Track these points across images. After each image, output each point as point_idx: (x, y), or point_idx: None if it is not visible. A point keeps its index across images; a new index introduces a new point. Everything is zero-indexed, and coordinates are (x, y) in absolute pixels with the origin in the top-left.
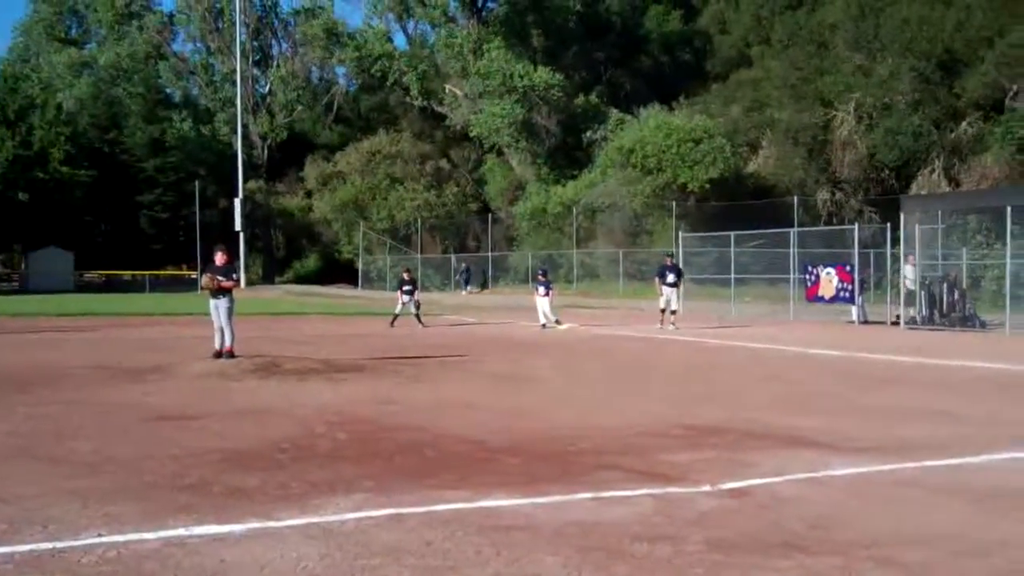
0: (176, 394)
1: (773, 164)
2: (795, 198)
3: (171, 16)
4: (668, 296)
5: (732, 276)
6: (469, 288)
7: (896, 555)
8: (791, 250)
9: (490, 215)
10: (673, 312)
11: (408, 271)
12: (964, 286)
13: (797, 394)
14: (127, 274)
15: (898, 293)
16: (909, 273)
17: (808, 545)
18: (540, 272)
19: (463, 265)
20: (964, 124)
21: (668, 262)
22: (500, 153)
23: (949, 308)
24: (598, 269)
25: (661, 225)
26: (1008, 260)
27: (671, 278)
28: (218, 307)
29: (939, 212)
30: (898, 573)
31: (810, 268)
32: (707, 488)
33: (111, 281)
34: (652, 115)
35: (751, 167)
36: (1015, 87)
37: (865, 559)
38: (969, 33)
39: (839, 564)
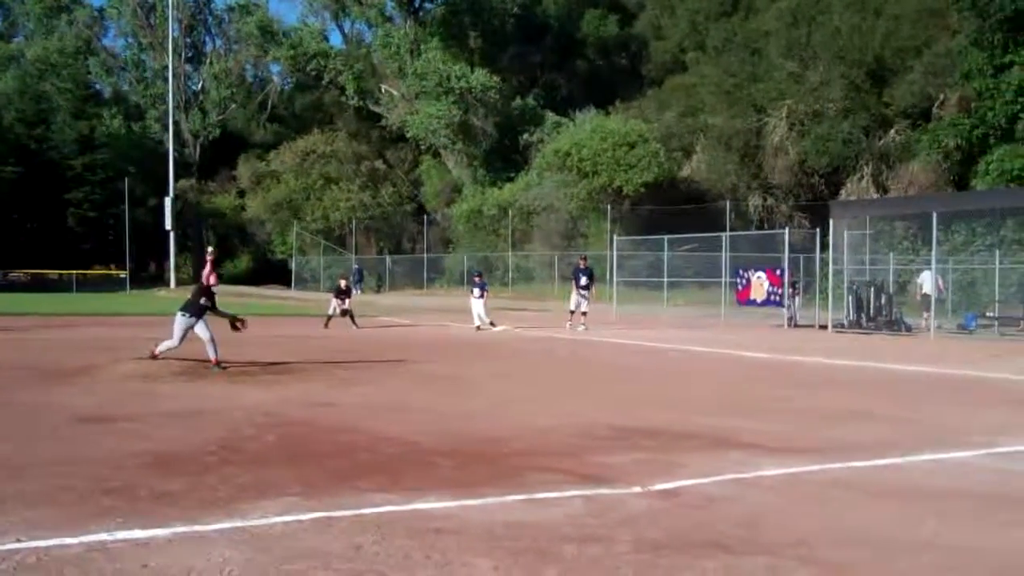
0: (102, 396)
1: (706, 169)
2: (727, 203)
3: (101, 10)
4: (578, 298)
5: (665, 279)
6: (360, 288)
7: (821, 554)
8: (723, 254)
9: (426, 216)
10: (583, 313)
11: (345, 278)
12: (891, 291)
13: (728, 396)
14: (54, 273)
15: (826, 297)
16: (927, 279)
17: (735, 545)
18: (475, 274)
19: (355, 267)
20: (892, 132)
21: (581, 264)
22: (436, 154)
23: (876, 312)
24: (533, 271)
25: (596, 228)
26: (933, 265)
27: (584, 280)
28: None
29: (867, 218)
30: (822, 572)
31: (741, 272)
32: (638, 489)
33: (37, 280)
34: (588, 119)
35: (685, 171)
36: (942, 96)
37: (791, 558)
38: (898, 43)
39: (765, 564)
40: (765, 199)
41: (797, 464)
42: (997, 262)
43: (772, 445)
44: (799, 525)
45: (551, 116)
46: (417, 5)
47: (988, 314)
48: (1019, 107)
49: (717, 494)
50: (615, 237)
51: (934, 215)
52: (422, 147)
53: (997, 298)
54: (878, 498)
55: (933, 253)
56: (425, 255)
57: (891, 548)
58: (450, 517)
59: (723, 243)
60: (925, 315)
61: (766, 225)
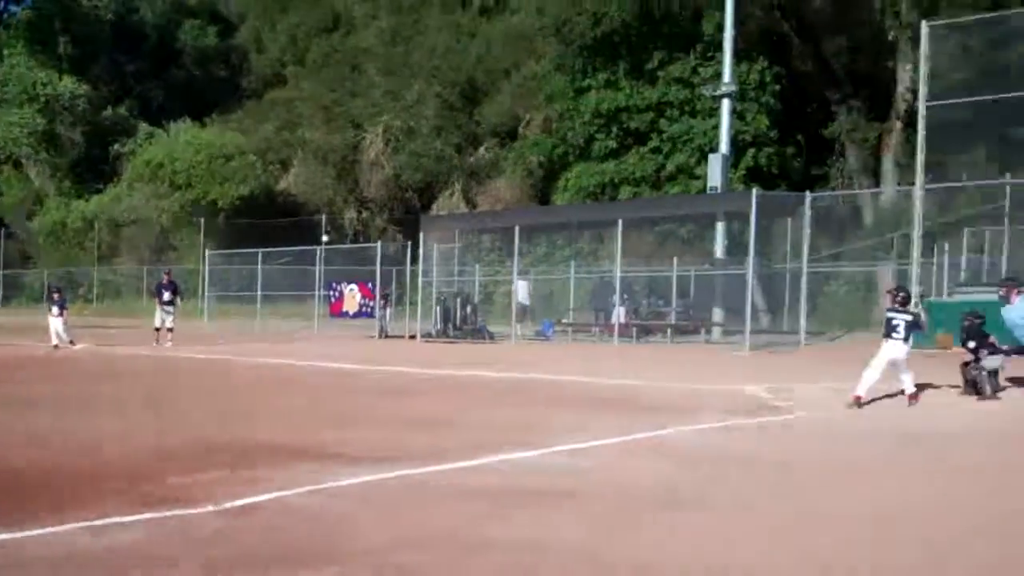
0: None
1: (303, 183)
2: (323, 216)
3: None
4: (163, 315)
5: (259, 293)
6: None
7: (395, 559)
8: (317, 267)
9: (3, 229)
10: (169, 329)
11: None
12: (476, 301)
13: (313, 407)
14: None
15: (417, 308)
16: (522, 288)
17: (308, 558)
18: (53, 291)
19: None
20: (482, 149)
21: (164, 279)
22: (17, 164)
23: (462, 321)
24: (121, 286)
25: (189, 241)
26: (515, 276)
27: (167, 296)
28: None
29: (456, 231)
30: None
31: (334, 285)
32: (211, 508)
33: None
34: (183, 130)
35: (282, 185)
36: (528, 116)
37: (362, 565)
38: (488, 65)
39: (335, 573)
40: (360, 212)
41: (376, 472)
42: (572, 272)
43: (353, 454)
44: (372, 532)
45: (144, 126)
46: (2, 8)
47: (564, 321)
48: (595, 128)
49: (295, 507)
50: (207, 251)
51: (516, 229)
52: (1, 156)
53: (572, 306)
54: (451, 501)
55: (515, 264)
56: (1, 271)
57: (460, 549)
58: (5, 551)
59: (317, 256)
60: (543, 323)
61: (361, 238)
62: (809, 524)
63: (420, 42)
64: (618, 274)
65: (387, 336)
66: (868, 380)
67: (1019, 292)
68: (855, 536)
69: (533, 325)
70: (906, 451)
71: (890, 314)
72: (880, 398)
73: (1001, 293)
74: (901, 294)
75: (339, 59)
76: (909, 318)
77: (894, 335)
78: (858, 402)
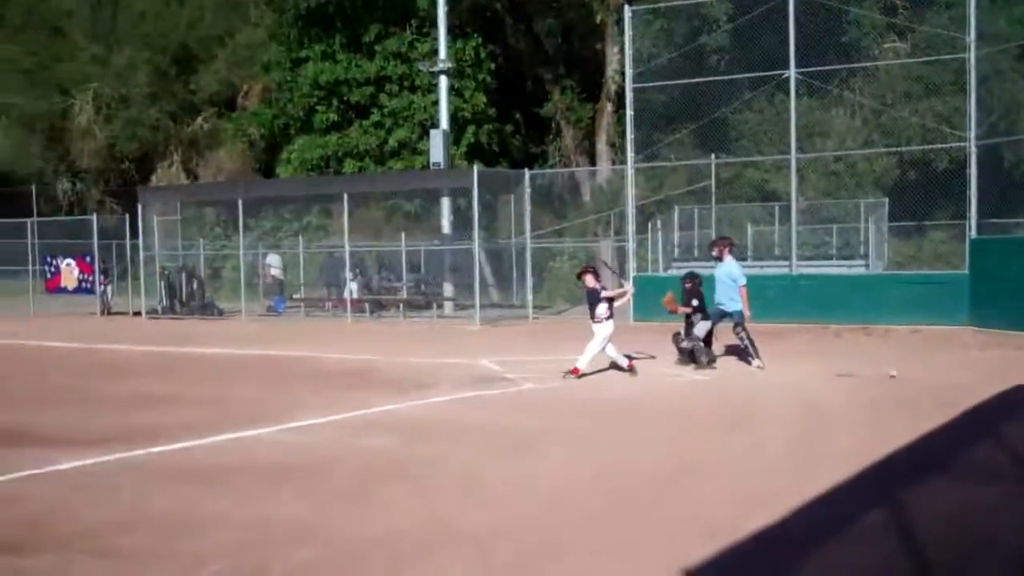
0: None
1: (9, 151)
2: (34, 187)
3: None
4: None
5: None
6: None
7: (111, 543)
8: (29, 241)
9: None
10: None
11: None
12: (203, 276)
13: (26, 390)
14: None
15: (140, 284)
16: (275, 262)
17: (25, 545)
18: None
19: None
20: (200, 119)
21: None
22: None
23: (189, 297)
24: None
25: None
26: (242, 251)
27: None
28: None
29: (178, 204)
30: (112, 561)
31: (50, 259)
32: None
33: None
34: None
35: None
36: (246, 86)
37: (80, 551)
38: (202, 31)
39: (54, 561)
40: (75, 184)
41: (97, 455)
42: (302, 247)
43: (71, 437)
44: (92, 516)
45: None
46: None
47: (295, 297)
48: (315, 100)
49: (9, 494)
50: None
51: (240, 202)
52: None
53: (303, 281)
54: (174, 481)
55: (241, 239)
56: None
57: (183, 528)
58: None
59: (29, 230)
60: (274, 299)
61: (77, 211)
62: (532, 492)
63: (127, 6)
64: (347, 249)
65: (111, 313)
66: (588, 351)
67: (730, 250)
68: (561, 502)
69: (267, 301)
70: (611, 420)
71: (604, 294)
72: (605, 369)
73: (714, 252)
74: (590, 271)
75: (39, 21)
76: (611, 295)
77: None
78: (576, 374)
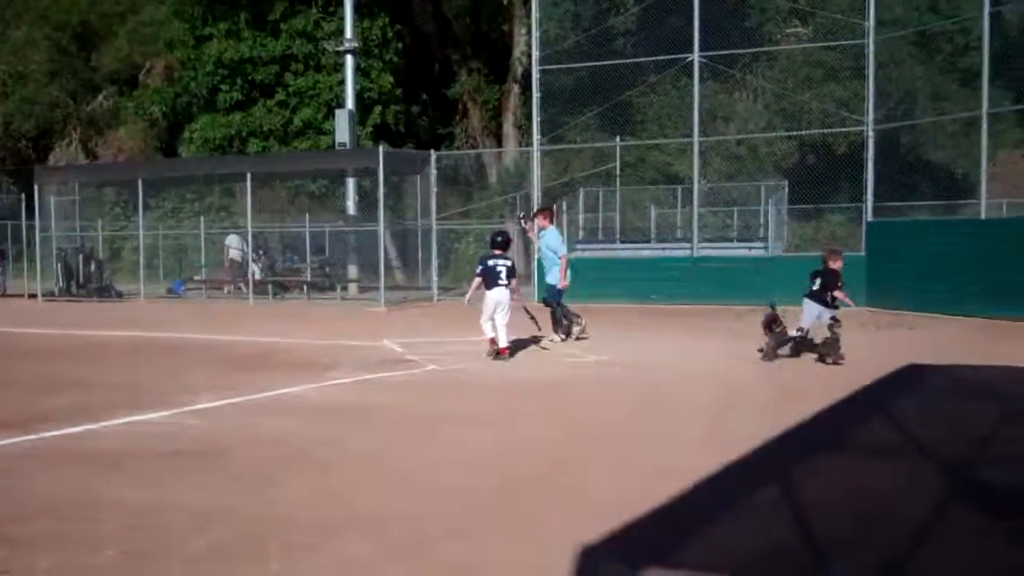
0: None
1: None
2: None
3: None
4: None
5: None
6: None
7: (5, 530)
8: None
9: None
10: None
11: None
12: (102, 257)
13: None
14: None
15: (36, 265)
16: (234, 243)
17: None
18: None
19: None
20: (101, 97)
21: None
22: None
23: (86, 279)
24: None
25: None
26: (141, 232)
27: None
28: None
29: (76, 184)
30: (3, 549)
31: None
32: None
33: None
34: None
35: None
36: (148, 64)
37: None
38: (104, 7)
39: None
40: None
41: None
42: (203, 228)
43: None
44: None
45: None
46: None
47: (196, 278)
48: (219, 78)
49: None
50: None
51: (140, 182)
52: None
53: (204, 263)
54: (69, 465)
55: (140, 220)
56: None
57: (79, 513)
58: None
59: None
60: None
61: None
62: (434, 474)
63: None
64: (250, 230)
65: (5, 295)
66: (499, 329)
67: (552, 219)
68: (464, 483)
69: (167, 282)
70: (515, 400)
71: (491, 262)
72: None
73: (539, 223)
74: (499, 238)
75: None
76: (510, 263)
77: (499, 281)
78: (505, 354)
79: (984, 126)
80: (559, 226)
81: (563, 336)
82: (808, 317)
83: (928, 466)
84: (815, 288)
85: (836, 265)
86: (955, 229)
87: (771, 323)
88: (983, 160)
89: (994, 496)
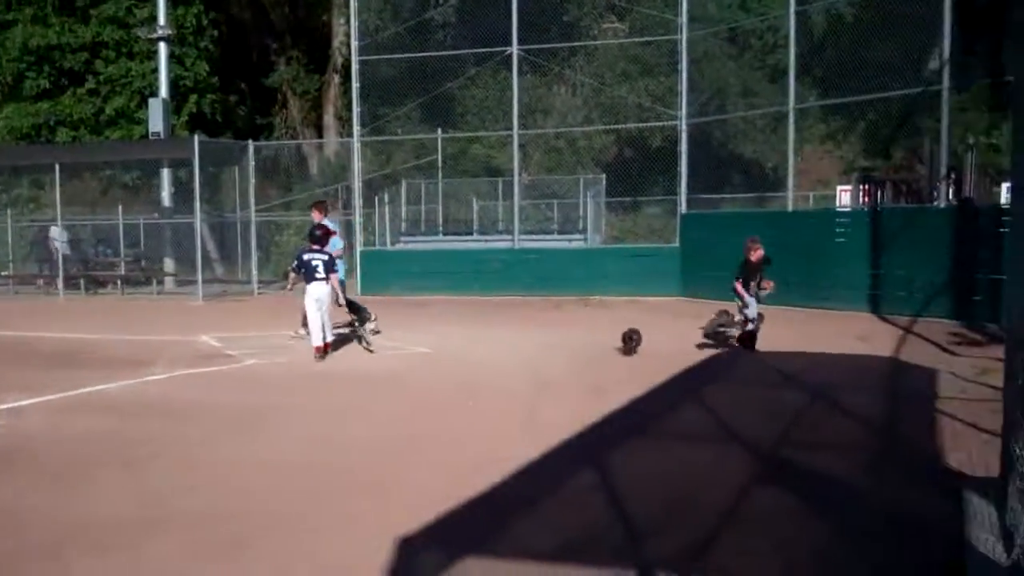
0: None
1: None
2: None
3: None
4: None
5: None
6: None
7: None
8: None
9: None
10: None
11: None
12: None
13: None
14: None
15: None
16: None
17: None
18: None
19: None
20: None
21: None
22: None
23: None
24: None
25: None
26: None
27: None
28: None
29: None
30: None
31: None
32: None
33: None
34: None
35: None
36: None
37: None
38: None
39: None
40: None
41: None
42: (10, 221)
43: None
44: None
45: None
46: None
47: (4, 274)
48: (25, 65)
49: None
50: None
51: None
52: None
53: (12, 258)
54: None
55: None
56: None
57: None
58: None
59: None
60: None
61: None
62: (252, 470)
63: None
64: (60, 223)
65: None
66: (314, 327)
67: (326, 213)
68: (282, 479)
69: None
70: (334, 394)
71: (307, 256)
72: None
73: (314, 217)
74: (317, 231)
75: None
76: (326, 258)
77: (316, 276)
78: (322, 351)
79: (791, 121)
80: (381, 218)
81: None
82: (753, 308)
83: (737, 449)
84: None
85: (756, 256)
86: (763, 221)
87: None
88: (791, 154)
89: (797, 477)
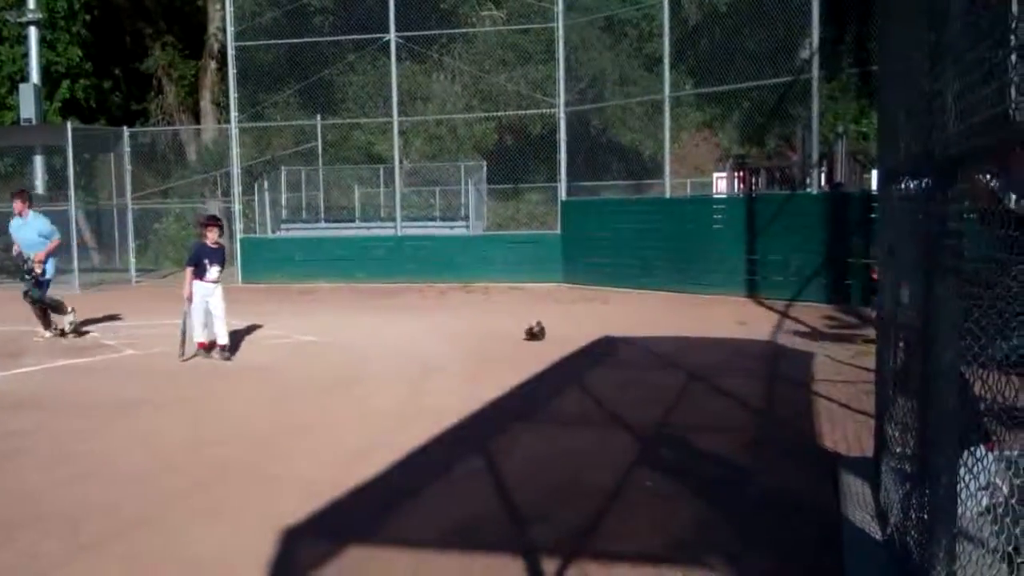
0: None
1: None
2: None
3: None
4: None
5: None
6: None
7: None
8: None
9: None
10: None
11: None
12: None
13: None
14: None
15: None
16: None
17: None
18: None
19: None
20: None
21: None
22: None
23: None
24: None
25: None
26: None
27: None
28: None
29: None
30: None
31: None
32: None
33: None
34: None
35: None
36: None
37: None
38: None
39: None
40: None
41: None
42: None
43: None
44: None
45: None
46: None
47: None
48: None
49: None
50: None
51: None
52: None
53: None
54: None
55: None
56: None
57: None
58: None
59: None
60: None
61: None
62: (129, 462)
63: None
64: None
65: None
66: (196, 321)
67: (30, 204)
68: (161, 470)
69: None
70: (213, 385)
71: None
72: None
73: (17, 208)
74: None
75: None
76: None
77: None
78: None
79: (667, 109)
80: (261, 205)
81: (58, 330)
82: None
83: (619, 432)
84: None
85: None
86: (642, 207)
87: None
88: (667, 142)
89: (678, 458)
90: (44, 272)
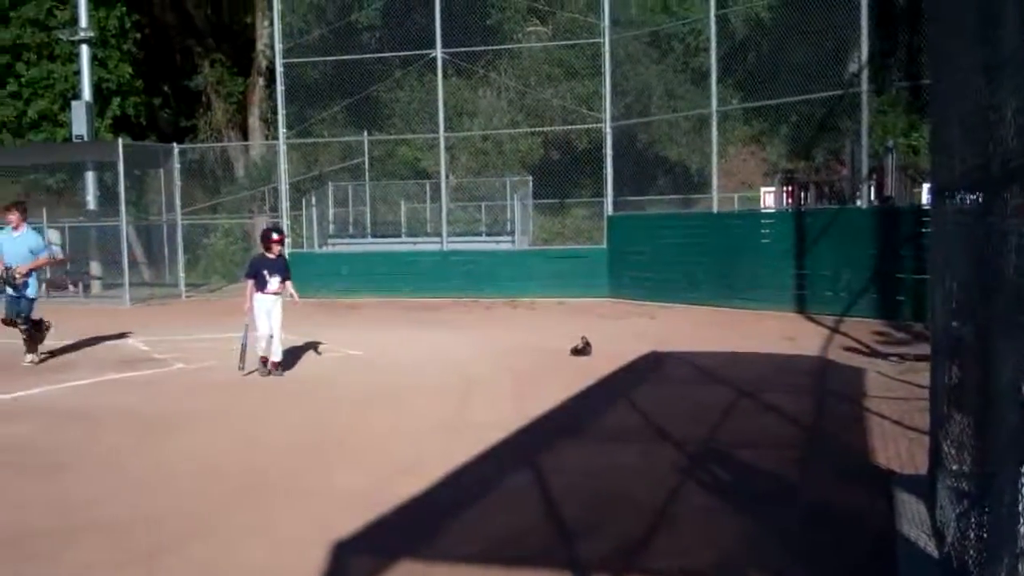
0: None
1: None
2: None
3: None
4: None
5: None
6: None
7: None
8: None
9: None
10: None
11: None
12: None
13: None
14: None
15: None
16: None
17: None
18: None
19: None
20: None
21: None
22: None
23: None
24: None
25: None
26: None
27: None
28: None
29: None
30: None
31: None
32: None
33: None
34: None
35: None
36: None
37: None
38: None
39: None
40: None
41: None
42: None
43: None
44: None
45: None
46: None
47: None
48: None
49: None
50: None
51: None
52: None
53: None
54: None
55: None
56: None
57: None
58: None
59: None
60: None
61: None
62: (178, 475)
63: None
64: None
65: None
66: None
67: (25, 218)
68: (210, 483)
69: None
70: (260, 399)
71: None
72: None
73: (12, 221)
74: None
75: None
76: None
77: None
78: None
79: (714, 123)
80: (308, 220)
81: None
82: None
83: (668, 448)
84: None
85: None
86: (689, 222)
87: None
88: (714, 156)
89: (728, 475)
90: (26, 285)
